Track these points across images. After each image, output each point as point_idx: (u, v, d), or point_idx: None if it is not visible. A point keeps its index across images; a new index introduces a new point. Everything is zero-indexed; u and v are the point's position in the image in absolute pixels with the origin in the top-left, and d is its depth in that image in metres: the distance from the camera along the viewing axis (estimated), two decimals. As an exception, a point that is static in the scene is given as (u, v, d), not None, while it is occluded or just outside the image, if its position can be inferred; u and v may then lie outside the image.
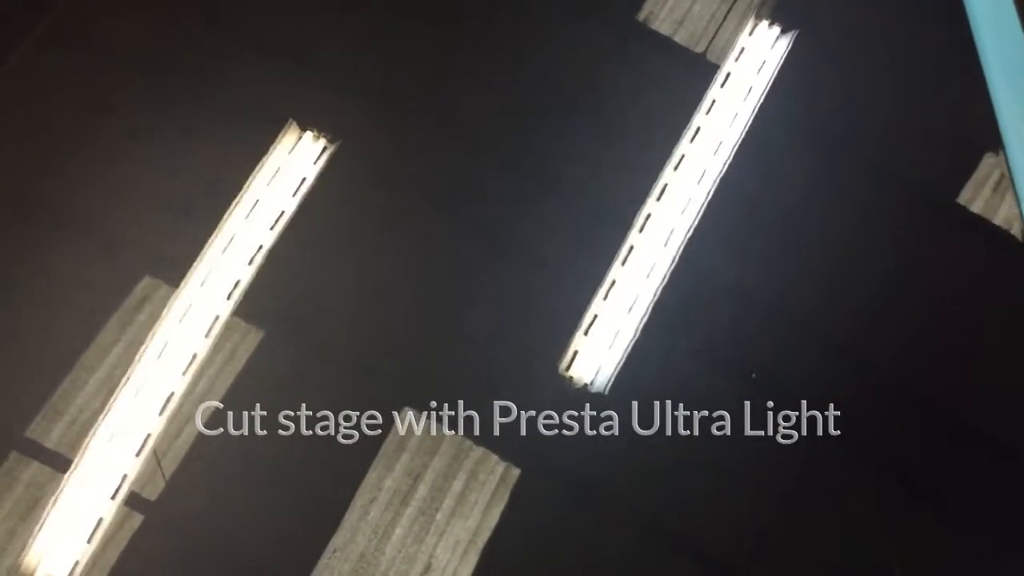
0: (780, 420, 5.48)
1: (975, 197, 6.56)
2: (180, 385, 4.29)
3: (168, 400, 4.24)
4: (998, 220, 6.50)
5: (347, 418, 5.23)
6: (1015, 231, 6.53)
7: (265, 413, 5.15)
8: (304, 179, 4.86)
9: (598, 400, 5.10)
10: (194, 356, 4.36)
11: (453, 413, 5.34)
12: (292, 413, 5.21)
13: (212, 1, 5.98)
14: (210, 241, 4.55)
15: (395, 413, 5.31)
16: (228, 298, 4.52)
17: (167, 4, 5.99)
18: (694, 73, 6.48)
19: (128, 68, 5.85)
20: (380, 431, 5.25)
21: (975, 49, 6.54)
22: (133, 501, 4.47)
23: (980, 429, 5.75)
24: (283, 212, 4.76)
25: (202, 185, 5.53)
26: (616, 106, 6.28)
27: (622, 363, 4.81)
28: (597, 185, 5.97)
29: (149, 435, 4.18)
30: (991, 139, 6.68)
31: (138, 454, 4.14)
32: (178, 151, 5.66)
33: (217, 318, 4.47)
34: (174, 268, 5.25)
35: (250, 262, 4.63)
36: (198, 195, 5.52)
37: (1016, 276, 6.38)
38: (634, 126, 6.24)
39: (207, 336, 4.42)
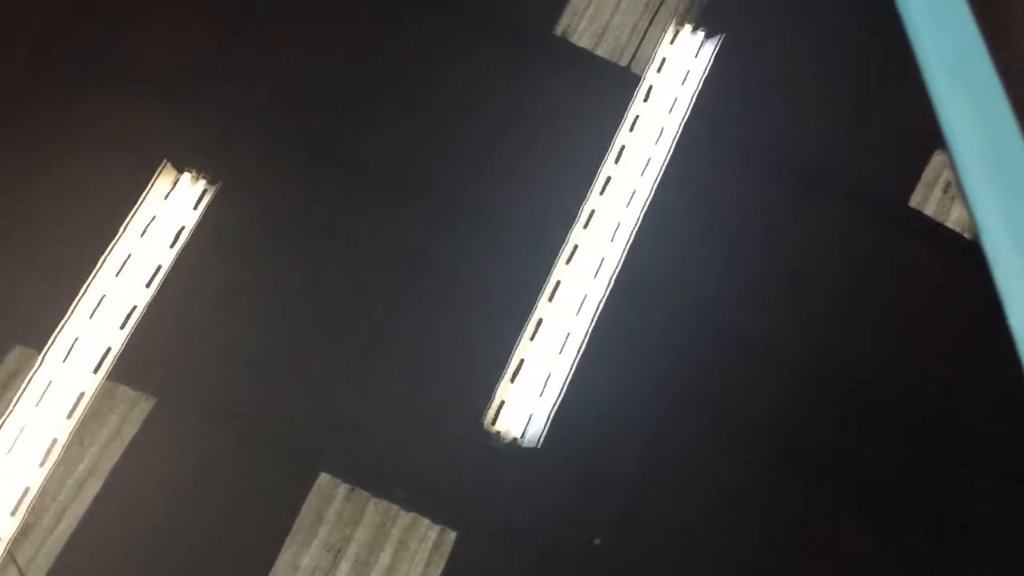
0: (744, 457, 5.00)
1: (926, 199, 6.20)
2: (36, 479, 3.60)
3: (23, 497, 3.56)
4: (951, 223, 6.16)
5: (254, 490, 4.62)
6: (970, 234, 6.21)
7: (158, 492, 4.51)
8: (183, 227, 4.21)
9: (531, 455, 4.53)
10: (54, 442, 3.67)
11: (375, 476, 4.74)
12: (190, 490, 4.57)
13: (72, 35, 5.34)
14: (73, 305, 3.87)
15: (309, 480, 4.70)
16: (96, 371, 3.84)
17: (19, 38, 5.34)
18: (618, 87, 6.02)
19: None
20: (293, 502, 4.64)
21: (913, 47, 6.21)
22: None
23: (949, 434, 5.36)
24: (160, 266, 4.11)
25: (68, 239, 4.87)
26: (536, 128, 5.78)
27: (555, 411, 4.21)
28: (517, 215, 5.44)
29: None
30: (937, 139, 6.32)
31: (-13, 566, 3.46)
32: (40, 201, 4.99)
33: (82, 395, 3.79)
34: (46, 335, 4.61)
35: (122, 326, 3.96)
36: (64, 250, 4.86)
37: (974, 278, 6.01)
38: (556, 149, 5.74)
39: (70, 417, 3.74)
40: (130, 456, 4.56)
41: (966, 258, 5.82)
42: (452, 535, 4.70)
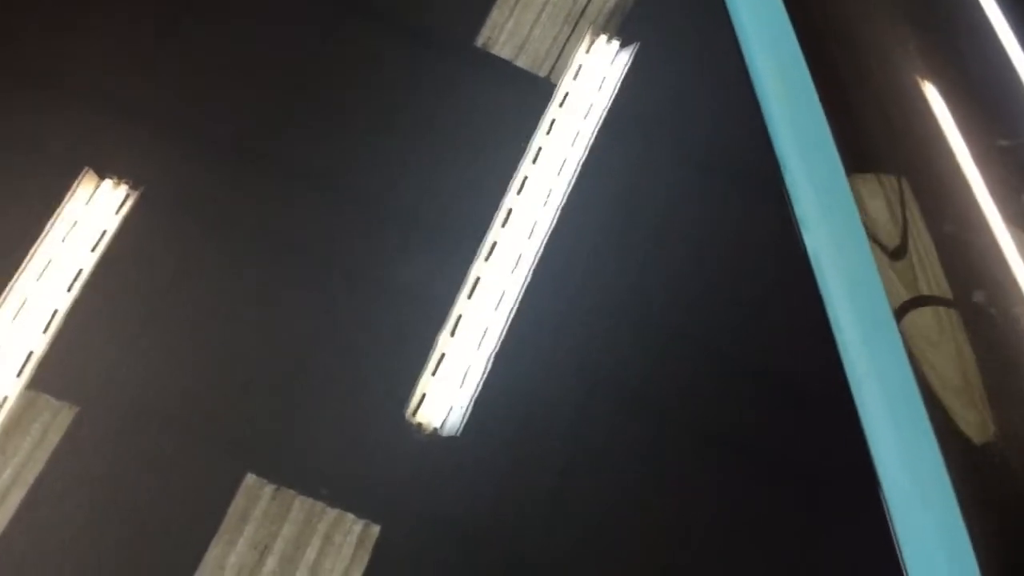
0: (662, 447, 5.25)
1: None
2: (-38, 479, 3.72)
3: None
4: None
5: (180, 493, 4.74)
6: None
7: (85, 498, 4.61)
8: (104, 231, 4.35)
9: (451, 444, 4.75)
10: (-22, 444, 3.79)
11: (300, 474, 4.89)
12: (116, 496, 4.67)
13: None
14: (-7, 310, 4.00)
15: (236, 480, 4.84)
16: (19, 375, 3.96)
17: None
18: (537, 97, 6.29)
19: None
20: (219, 503, 4.76)
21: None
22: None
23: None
24: (81, 270, 4.24)
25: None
26: (454, 133, 6.02)
27: (473, 402, 4.44)
28: (437, 213, 5.67)
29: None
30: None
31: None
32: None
33: (5, 399, 3.91)
34: (-33, 344, 4.70)
35: (45, 330, 4.09)
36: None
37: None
38: (475, 153, 5.98)
39: (-7, 421, 3.86)
40: (54, 465, 4.64)
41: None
42: (376, 528, 4.87)
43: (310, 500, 4.76)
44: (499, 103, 6.25)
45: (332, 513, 4.79)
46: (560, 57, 6.64)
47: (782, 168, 4.13)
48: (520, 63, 6.49)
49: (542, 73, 6.52)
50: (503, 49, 6.55)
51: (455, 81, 6.23)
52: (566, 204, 5.15)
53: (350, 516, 4.81)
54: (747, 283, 6.08)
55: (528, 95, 6.34)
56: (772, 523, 5.45)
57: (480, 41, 6.48)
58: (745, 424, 5.64)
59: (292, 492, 4.78)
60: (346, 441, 4.87)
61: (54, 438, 4.52)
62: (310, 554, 4.63)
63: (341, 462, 4.85)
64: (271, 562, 4.60)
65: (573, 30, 6.78)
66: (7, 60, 5.31)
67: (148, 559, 4.44)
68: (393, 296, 5.28)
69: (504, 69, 6.42)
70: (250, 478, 4.74)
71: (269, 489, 4.76)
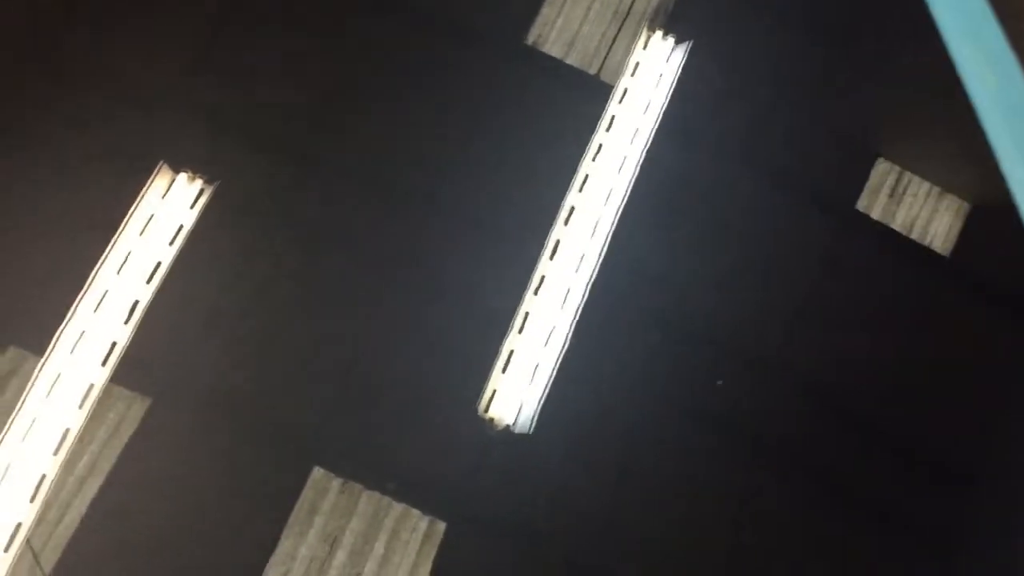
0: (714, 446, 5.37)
1: (873, 204, 6.63)
2: (52, 466, 3.84)
3: (39, 484, 3.79)
4: (896, 225, 6.59)
5: (251, 484, 4.86)
6: (915, 235, 6.62)
7: (158, 487, 4.74)
8: (181, 226, 4.48)
9: (522, 441, 4.83)
10: (67, 431, 3.92)
11: (368, 468, 5.01)
12: (189, 484, 4.80)
13: (63, 44, 5.60)
14: (78, 300, 4.12)
15: (304, 473, 4.95)
16: (104, 363, 4.09)
17: (9, 49, 5.58)
18: (589, 95, 6.38)
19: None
20: (289, 495, 4.88)
21: (862, 53, 6.70)
22: (6, 603, 3.98)
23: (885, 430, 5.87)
24: (159, 263, 4.37)
25: (67, 240, 5.11)
26: (512, 133, 6.11)
27: (544, 399, 4.53)
28: (499, 212, 5.77)
29: (20, 524, 3.71)
30: (880, 145, 6.78)
31: (7, 549, 3.68)
32: (37, 205, 5.23)
33: (92, 386, 4.04)
34: (43, 335, 4.81)
35: (126, 321, 4.21)
36: (64, 252, 5.09)
37: (925, 281, 6.46)
38: (532, 152, 6.08)
39: (81, 407, 3.98)
40: (129, 454, 4.79)
41: (908, 259, 6.33)
42: (441, 525, 4.99)
43: (376, 495, 4.87)
44: (553, 102, 6.34)
45: (398, 508, 4.90)
46: (609, 55, 6.73)
47: None
48: (570, 61, 6.58)
49: (592, 71, 6.61)
50: (553, 47, 6.64)
51: (509, 80, 6.33)
52: (627, 202, 5.21)
53: (416, 512, 4.93)
54: (798, 299, 6.17)
55: (580, 93, 6.42)
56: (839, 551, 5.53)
57: (531, 39, 6.58)
58: (792, 435, 5.73)
59: (359, 486, 4.90)
60: (414, 437, 4.98)
61: (128, 429, 4.66)
62: (378, 548, 4.74)
63: (408, 458, 4.96)
64: (341, 555, 4.71)
65: (621, 28, 6.87)
66: (87, 68, 5.47)
67: (221, 549, 4.57)
68: (460, 294, 5.38)
69: (555, 67, 6.51)
70: (318, 472, 4.86)
71: (337, 483, 4.88)
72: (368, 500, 4.92)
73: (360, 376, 5.15)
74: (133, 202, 4.58)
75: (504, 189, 5.89)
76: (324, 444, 5.01)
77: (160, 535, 4.61)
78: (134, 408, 4.87)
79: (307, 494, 4.89)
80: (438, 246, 5.55)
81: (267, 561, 4.66)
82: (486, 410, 4.57)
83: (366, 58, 6.03)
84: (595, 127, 5.76)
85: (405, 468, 5.01)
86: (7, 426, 3.85)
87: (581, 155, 5.61)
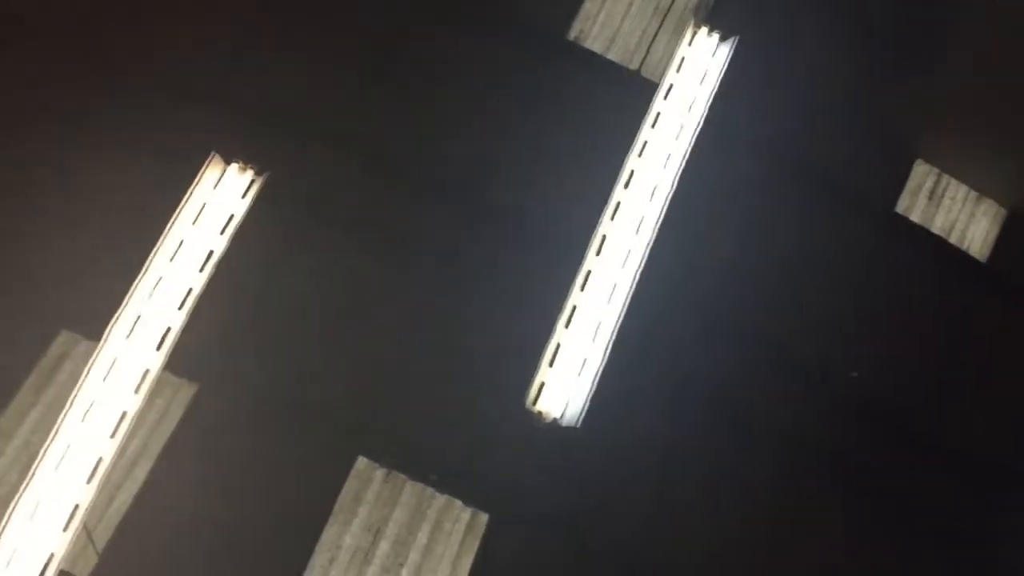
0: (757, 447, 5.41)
1: (912, 206, 6.62)
2: (109, 448, 3.92)
3: (97, 466, 3.87)
4: (936, 229, 6.58)
5: (296, 472, 4.93)
6: (954, 239, 6.62)
7: (205, 472, 4.82)
8: (232, 215, 4.53)
9: (567, 435, 4.86)
10: (123, 415, 3.99)
11: (410, 459, 5.06)
12: (235, 471, 4.88)
13: (111, 41, 5.71)
14: (133, 286, 4.19)
15: (348, 463, 5.01)
16: (158, 348, 4.16)
17: (69, 41, 5.67)
18: (630, 90, 6.40)
19: (33, 112, 5.49)
20: (333, 484, 4.95)
21: (903, 54, 6.71)
22: (62, 582, 4.06)
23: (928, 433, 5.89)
24: (212, 252, 4.43)
25: (120, 228, 5.20)
26: (555, 129, 6.15)
27: (591, 394, 4.56)
28: (545, 209, 5.82)
29: (77, 506, 3.79)
30: (920, 146, 6.77)
31: (66, 528, 3.76)
32: (90, 193, 5.32)
33: (147, 371, 4.11)
34: (94, 320, 4.89)
35: (180, 307, 4.28)
36: (116, 239, 5.18)
37: (964, 287, 6.46)
38: (576, 147, 6.12)
39: (137, 392, 4.05)
40: (177, 439, 4.88)
41: (949, 263, 6.33)
42: (484, 517, 5.04)
43: (420, 485, 4.93)
44: (594, 96, 6.37)
45: (441, 499, 4.96)
46: (650, 51, 6.75)
47: None
48: (611, 56, 6.60)
49: (632, 66, 6.63)
50: (595, 42, 6.68)
51: (551, 74, 6.36)
52: (673, 198, 5.23)
53: (458, 503, 4.98)
54: (835, 302, 6.18)
55: (621, 88, 6.44)
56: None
57: (573, 34, 6.61)
58: (826, 439, 5.75)
59: (403, 477, 4.96)
60: (458, 429, 5.04)
61: (176, 414, 4.74)
62: (421, 538, 4.81)
63: (452, 450, 5.02)
64: (384, 545, 4.78)
65: (662, 24, 6.89)
66: (139, 60, 5.57)
67: (267, 534, 4.64)
68: (508, 288, 5.43)
69: (596, 62, 6.54)
70: (362, 462, 4.93)
71: (380, 473, 4.94)
72: (411, 490, 4.99)
73: (404, 368, 5.21)
74: (185, 192, 4.65)
75: (546, 183, 5.93)
76: (368, 434, 5.07)
77: (207, 520, 4.69)
78: (181, 393, 4.96)
79: (351, 483, 4.96)
80: (485, 239, 5.60)
81: (313, 548, 4.73)
82: (534, 403, 4.60)
83: (411, 54, 6.10)
84: (636, 122, 5.78)
85: (448, 460, 5.07)
86: (66, 409, 3.93)
87: (621, 149, 5.62)
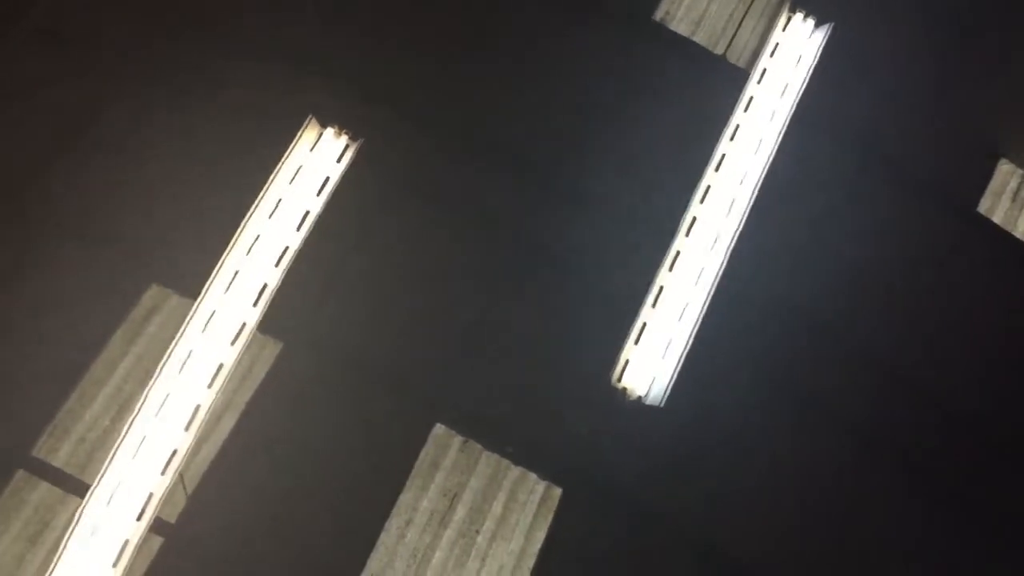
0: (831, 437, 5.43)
1: (995, 207, 6.53)
2: (206, 398, 4.06)
3: (194, 414, 4.01)
4: (1019, 233, 6.48)
5: (375, 434, 5.04)
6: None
7: (288, 429, 4.95)
8: (328, 178, 4.65)
9: (644, 414, 4.92)
10: (220, 366, 4.13)
11: (487, 429, 5.15)
12: (316, 429, 5.00)
13: (211, 4, 5.86)
14: (233, 241, 4.32)
15: (426, 429, 5.11)
16: (255, 304, 4.29)
17: (168, 6, 5.83)
18: (716, 74, 6.41)
19: (131, 69, 5.71)
20: (412, 449, 5.05)
21: (992, 50, 6.63)
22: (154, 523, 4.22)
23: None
24: (308, 212, 4.55)
25: (213, 188, 5.35)
26: (641, 111, 6.17)
27: (676, 374, 4.61)
28: (628, 188, 5.85)
29: (175, 451, 3.94)
30: (1005, 146, 6.67)
31: (164, 472, 3.91)
32: (185, 151, 5.48)
33: (244, 325, 4.25)
34: (184, 275, 5.06)
35: (276, 264, 4.40)
36: (209, 199, 5.34)
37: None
38: (665, 130, 6.13)
39: (233, 344, 4.19)
40: (261, 394, 5.02)
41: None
42: (558, 491, 5.12)
43: (495, 456, 5.02)
44: (680, 80, 6.38)
45: (516, 471, 5.05)
46: (736, 35, 6.73)
47: None
48: (697, 39, 6.60)
49: (718, 51, 6.63)
50: (680, 24, 6.68)
51: (636, 56, 6.38)
52: (763, 184, 5.24)
53: (533, 476, 5.07)
54: (912, 297, 6.13)
55: (706, 72, 6.45)
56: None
57: (659, 15, 6.61)
58: (912, 440, 5.73)
59: (479, 446, 5.05)
60: (536, 402, 5.13)
61: (261, 370, 4.88)
62: (496, 508, 4.90)
63: (529, 422, 5.11)
64: (461, 511, 4.88)
65: (749, 8, 6.86)
66: (230, 25, 5.72)
67: (346, 494, 4.77)
68: (596, 263, 5.50)
69: (682, 44, 6.54)
70: (439, 428, 5.03)
71: (457, 441, 5.04)
72: (487, 460, 5.08)
73: (485, 339, 5.30)
74: (282, 155, 4.77)
75: (633, 163, 5.97)
76: (447, 402, 5.17)
77: (288, 475, 4.82)
78: (267, 350, 5.09)
79: (429, 449, 5.06)
80: (570, 218, 5.66)
81: (390, 511, 4.84)
82: (619, 380, 4.66)
83: (501, 32, 6.17)
84: (720, 106, 5.78)
85: (525, 432, 5.15)
86: (165, 358, 4.07)
87: (706, 133, 5.63)
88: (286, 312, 4.95)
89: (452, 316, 5.33)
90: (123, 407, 4.74)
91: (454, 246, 5.46)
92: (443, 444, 5.09)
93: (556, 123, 6.02)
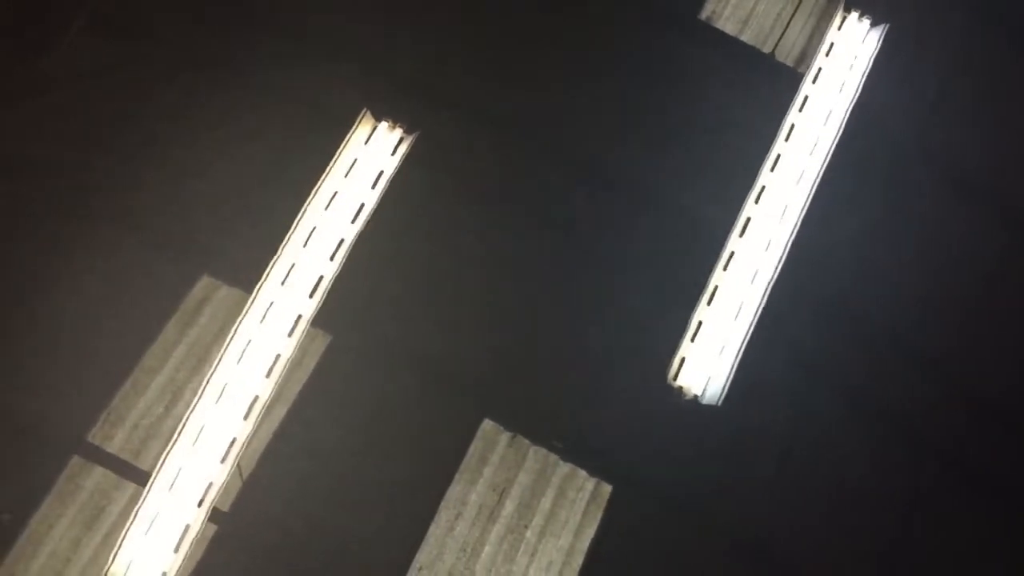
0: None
1: None
2: (264, 388, 4.09)
3: (253, 404, 4.05)
4: None
5: (424, 428, 5.06)
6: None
7: (336, 420, 4.98)
8: (382, 172, 4.68)
9: (695, 413, 4.91)
10: (277, 357, 4.17)
11: (535, 425, 5.16)
12: (364, 421, 5.03)
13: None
14: (290, 233, 4.36)
15: (475, 424, 5.13)
16: (311, 296, 4.32)
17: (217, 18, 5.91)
18: (764, 74, 6.37)
19: (186, 61, 5.77)
20: (459, 443, 5.07)
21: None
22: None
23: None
24: (363, 204, 4.58)
25: (268, 179, 5.40)
26: (694, 111, 6.16)
27: (732, 374, 4.60)
28: (679, 187, 5.84)
29: (235, 440, 3.97)
30: None
31: (223, 460, 3.95)
32: (239, 145, 5.53)
33: (300, 316, 4.28)
34: (235, 267, 5.12)
35: (332, 257, 4.44)
36: (261, 193, 5.38)
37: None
38: (716, 130, 6.11)
39: (290, 336, 4.22)
40: (312, 385, 5.05)
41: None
42: (607, 488, 5.11)
43: (543, 451, 5.02)
44: (727, 79, 6.36)
45: (565, 467, 5.05)
46: (784, 34, 6.68)
47: None
48: (744, 38, 6.56)
49: (766, 49, 6.58)
50: (727, 23, 6.64)
51: (682, 54, 6.37)
52: (819, 186, 5.21)
53: (582, 473, 5.07)
54: (970, 303, 6.07)
55: (754, 71, 6.41)
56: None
57: (704, 14, 6.58)
58: (966, 445, 5.68)
59: (527, 442, 5.06)
60: (587, 399, 5.13)
61: (311, 362, 4.91)
62: (545, 504, 4.91)
63: (579, 418, 5.12)
64: (509, 506, 4.89)
65: (797, 7, 6.80)
66: (287, 24, 5.77)
67: (395, 486, 4.79)
68: (650, 261, 5.49)
69: (729, 44, 6.51)
70: (487, 423, 5.04)
71: (506, 436, 5.05)
72: (535, 456, 5.08)
73: (536, 336, 5.31)
74: (335, 149, 4.81)
75: (681, 162, 5.95)
76: (495, 398, 5.18)
77: (338, 465, 4.86)
78: (316, 342, 5.12)
79: (477, 444, 5.07)
80: (625, 215, 5.66)
81: (439, 504, 4.86)
82: (675, 378, 4.66)
83: (549, 30, 6.18)
84: (769, 106, 5.76)
85: (576, 428, 5.16)
86: (223, 349, 4.12)
87: (756, 132, 5.60)
88: (336, 304, 4.98)
89: (503, 311, 5.34)
90: (176, 395, 4.79)
91: (507, 241, 5.48)
92: (491, 439, 5.10)
93: (601, 119, 6.02)
